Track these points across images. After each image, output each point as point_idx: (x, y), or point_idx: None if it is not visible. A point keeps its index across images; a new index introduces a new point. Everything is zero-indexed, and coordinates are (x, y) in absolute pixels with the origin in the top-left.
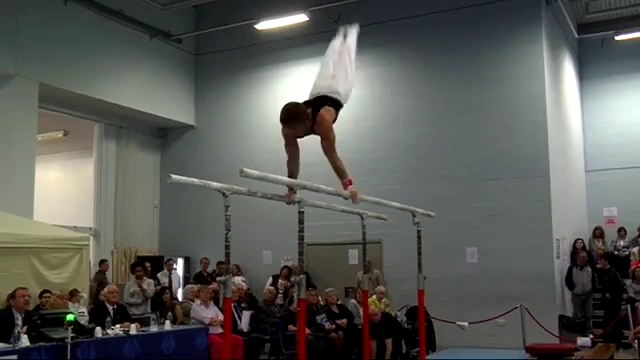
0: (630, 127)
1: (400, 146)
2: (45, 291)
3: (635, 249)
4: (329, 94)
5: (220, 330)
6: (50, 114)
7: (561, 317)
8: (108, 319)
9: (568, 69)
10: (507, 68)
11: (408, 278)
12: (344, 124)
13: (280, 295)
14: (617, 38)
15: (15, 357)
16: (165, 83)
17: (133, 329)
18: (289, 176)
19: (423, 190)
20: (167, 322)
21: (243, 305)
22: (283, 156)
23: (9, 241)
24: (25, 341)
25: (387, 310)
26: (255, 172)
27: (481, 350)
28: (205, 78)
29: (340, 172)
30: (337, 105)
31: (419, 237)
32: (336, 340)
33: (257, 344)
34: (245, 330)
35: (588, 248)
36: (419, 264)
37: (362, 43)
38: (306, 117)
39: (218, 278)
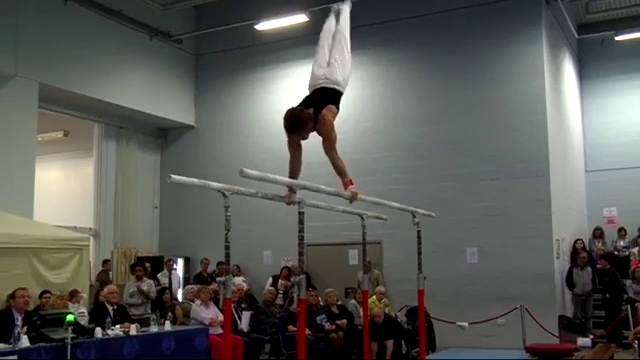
0: (630, 127)
1: (400, 146)
2: (45, 291)
3: (635, 249)
4: (328, 85)
5: (220, 330)
6: (50, 114)
7: (561, 317)
8: (108, 319)
9: (568, 69)
10: (507, 68)
11: (408, 278)
12: (344, 124)
13: (280, 295)
14: (617, 38)
15: (15, 357)
16: (165, 83)
17: (133, 329)
18: (290, 176)
19: (423, 190)
20: (167, 322)
21: (243, 305)
22: (283, 156)
23: (9, 241)
24: (25, 341)
25: (387, 310)
26: (255, 172)
27: (481, 350)
28: (205, 78)
29: (341, 172)
30: (338, 96)
31: (419, 237)
32: (336, 340)
33: (257, 344)
34: (245, 330)
35: (588, 248)
36: (419, 264)
37: (362, 43)
38: (309, 120)
39: (218, 278)
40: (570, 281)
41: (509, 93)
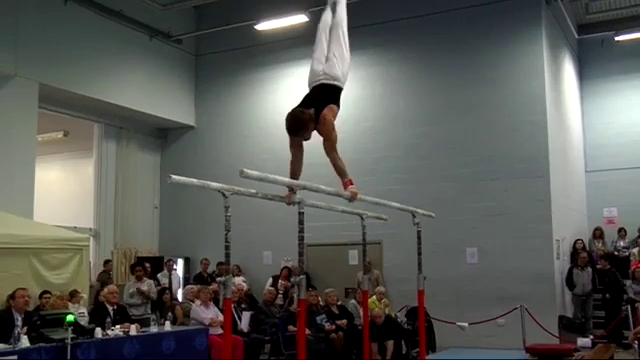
0: (630, 127)
1: (400, 146)
2: (45, 292)
3: (635, 250)
4: (328, 82)
5: (220, 331)
6: (50, 114)
7: (561, 317)
8: (108, 320)
9: (568, 69)
10: (507, 68)
11: (408, 278)
12: (344, 124)
13: (280, 296)
14: (617, 38)
15: (15, 358)
16: (165, 83)
17: (133, 330)
18: (292, 176)
19: (423, 190)
20: (167, 323)
21: (243, 306)
22: (283, 156)
23: (9, 242)
24: (25, 342)
25: (387, 311)
26: (255, 173)
27: (481, 350)
28: (205, 78)
29: (341, 172)
30: (338, 92)
31: (419, 237)
32: (336, 341)
33: (257, 345)
34: (245, 331)
35: (588, 248)
36: (419, 264)
37: (362, 43)
38: (311, 121)
39: (218, 279)
40: (570, 281)
41: (509, 93)
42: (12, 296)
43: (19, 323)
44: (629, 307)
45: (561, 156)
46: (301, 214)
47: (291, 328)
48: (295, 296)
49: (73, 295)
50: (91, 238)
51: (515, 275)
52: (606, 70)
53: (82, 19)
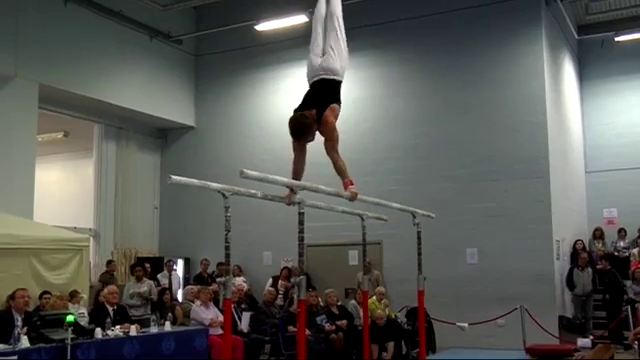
0: (630, 128)
1: (400, 147)
2: (45, 292)
3: (635, 250)
4: (327, 77)
5: (220, 331)
6: (50, 115)
7: (561, 318)
8: (108, 320)
9: (568, 70)
10: (507, 69)
11: (408, 279)
12: (344, 124)
13: (280, 296)
14: (617, 39)
15: (15, 358)
16: (165, 84)
17: (133, 330)
18: (294, 177)
19: (423, 191)
20: (167, 323)
21: (243, 306)
22: (283, 157)
23: (9, 242)
24: (25, 342)
25: (387, 311)
26: (255, 173)
27: (481, 351)
28: (205, 79)
29: (341, 172)
30: (338, 86)
31: (419, 238)
32: (336, 341)
33: (257, 345)
34: (245, 331)
35: (588, 249)
36: (419, 265)
37: (362, 44)
38: (313, 123)
39: (218, 279)
40: (570, 282)
41: (509, 94)
42: (12, 296)
43: (19, 323)
44: (629, 307)
45: (561, 157)
46: (301, 214)
47: (291, 328)
48: (295, 296)
49: (73, 295)
50: (91, 238)
51: (515, 276)
52: (606, 71)
53: (82, 19)
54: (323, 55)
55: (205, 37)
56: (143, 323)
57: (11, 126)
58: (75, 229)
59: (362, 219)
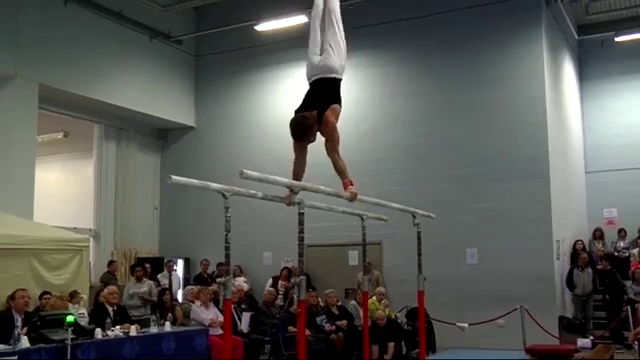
0: (630, 128)
1: (400, 147)
2: (45, 292)
3: (635, 250)
4: (326, 75)
5: (220, 331)
6: (50, 115)
7: (561, 318)
8: (108, 320)
9: (568, 70)
10: (507, 69)
11: (408, 279)
12: (344, 125)
13: (280, 296)
14: (617, 39)
15: (15, 358)
16: (165, 84)
17: (133, 330)
18: (294, 177)
19: (423, 191)
20: (167, 323)
21: (243, 306)
22: (283, 157)
23: (9, 242)
24: (25, 342)
25: (387, 312)
26: (255, 173)
27: (481, 351)
28: (205, 79)
29: (341, 172)
30: (337, 84)
31: (419, 238)
32: (336, 341)
33: (257, 345)
34: (245, 331)
35: (588, 249)
36: (419, 265)
37: (361, 44)
38: (314, 124)
39: (218, 279)
40: (570, 282)
41: (509, 94)
42: (12, 297)
43: (19, 324)
44: (629, 308)
45: (561, 157)
46: (301, 215)
47: (291, 329)
48: (295, 297)
49: (73, 296)
50: (91, 239)
51: (515, 276)
52: (606, 71)
53: (82, 20)
54: (322, 53)
55: (205, 37)
56: (143, 323)
57: (11, 126)
58: (75, 229)
59: (362, 219)
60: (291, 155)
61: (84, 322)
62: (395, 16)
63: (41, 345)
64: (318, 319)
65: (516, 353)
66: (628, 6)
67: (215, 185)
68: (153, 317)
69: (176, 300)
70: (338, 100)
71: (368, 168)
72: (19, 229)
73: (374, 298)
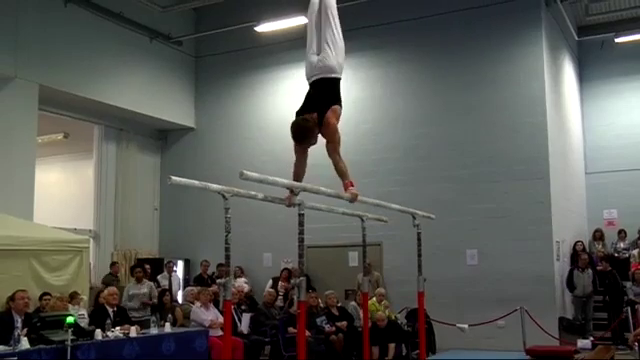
0: (630, 129)
1: (400, 148)
2: (45, 293)
3: (635, 251)
4: (326, 75)
5: (220, 332)
6: (50, 116)
7: (561, 319)
8: (108, 321)
9: (568, 71)
10: (507, 70)
11: (408, 280)
12: (344, 126)
13: (280, 297)
14: (617, 40)
15: (15, 359)
16: (165, 85)
17: (133, 331)
18: (295, 179)
19: (423, 192)
20: (167, 324)
21: (243, 307)
22: (283, 158)
23: (9, 243)
24: (25, 343)
25: (387, 312)
26: (255, 174)
27: (481, 352)
28: (205, 80)
29: (342, 173)
30: (337, 84)
31: (419, 239)
32: (336, 342)
33: (257, 346)
34: (245, 332)
35: (588, 250)
36: (419, 266)
37: (362, 45)
38: (315, 126)
39: (218, 280)
40: (571, 283)
41: (509, 95)
42: (12, 298)
43: (19, 325)
44: (629, 309)
45: (561, 158)
46: (301, 216)
47: (291, 330)
48: (295, 298)
49: (73, 297)
50: (91, 240)
51: (515, 277)
52: (606, 72)
53: (82, 21)
54: (319, 53)
55: (205, 38)
56: (143, 324)
57: (11, 127)
58: (75, 230)
59: (362, 220)
60: (291, 156)
61: (84, 323)
62: (395, 17)
63: (41, 346)
64: (318, 320)
65: (516, 354)
66: (628, 7)
67: (215, 186)
68: (153, 318)
69: (176, 301)
70: (338, 100)
71: (368, 169)
72: (19, 230)
73: (374, 299)
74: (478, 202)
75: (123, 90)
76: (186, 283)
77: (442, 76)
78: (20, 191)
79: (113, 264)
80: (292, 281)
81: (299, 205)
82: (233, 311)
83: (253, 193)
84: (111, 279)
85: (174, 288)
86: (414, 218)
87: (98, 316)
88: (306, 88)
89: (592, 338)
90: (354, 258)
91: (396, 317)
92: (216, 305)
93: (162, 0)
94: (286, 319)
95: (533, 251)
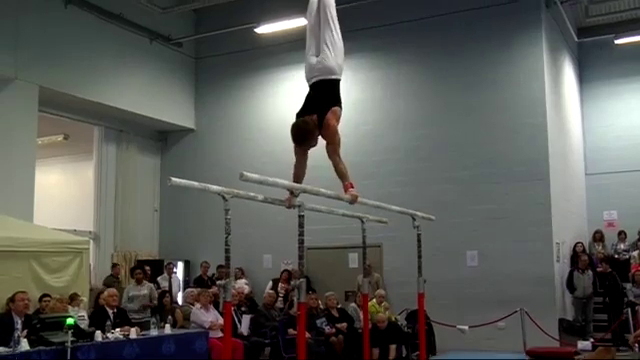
0: (630, 130)
1: (400, 149)
2: (45, 295)
3: (635, 253)
4: (325, 77)
5: (220, 334)
6: (50, 117)
7: (561, 320)
8: (108, 323)
9: (568, 72)
10: (507, 71)
11: (408, 281)
12: (345, 127)
13: (280, 299)
14: (617, 42)
15: None
16: (165, 86)
17: (133, 333)
18: (295, 180)
19: (423, 193)
20: (167, 326)
21: (243, 309)
22: (283, 160)
23: (9, 245)
24: (25, 345)
25: (387, 314)
26: (255, 176)
27: (481, 354)
28: (205, 81)
29: (342, 175)
30: (337, 85)
31: (419, 240)
32: (336, 344)
33: (257, 348)
34: (245, 334)
35: (588, 251)
36: (419, 267)
37: (362, 46)
38: (315, 128)
39: (218, 282)
40: (571, 284)
41: (509, 96)
42: (12, 299)
43: (19, 326)
44: (629, 310)
45: (561, 159)
46: (301, 217)
47: (291, 331)
48: (295, 299)
49: (73, 298)
50: (91, 241)
51: (515, 278)
52: (606, 73)
53: (82, 22)
54: (318, 54)
55: (205, 40)
56: (143, 326)
57: (11, 129)
58: (75, 232)
59: (362, 222)
60: (291, 157)
61: (84, 325)
62: (396, 18)
63: (41, 348)
64: (318, 322)
65: (516, 355)
66: (628, 8)
67: (215, 187)
68: (153, 319)
69: (176, 303)
70: (338, 102)
71: (369, 170)
72: (19, 231)
73: (374, 300)
74: (478, 203)
75: (123, 91)
76: (186, 284)
77: (442, 77)
78: (20, 192)
79: (114, 265)
80: (292, 282)
81: (299, 206)
82: (233, 313)
83: (253, 194)
84: (112, 280)
85: (174, 289)
86: (414, 219)
87: (98, 317)
88: (306, 89)
89: (592, 339)
90: (354, 259)
91: (396, 318)
92: (216, 306)
93: (162, 1)
94: (286, 321)
95: (533, 252)
